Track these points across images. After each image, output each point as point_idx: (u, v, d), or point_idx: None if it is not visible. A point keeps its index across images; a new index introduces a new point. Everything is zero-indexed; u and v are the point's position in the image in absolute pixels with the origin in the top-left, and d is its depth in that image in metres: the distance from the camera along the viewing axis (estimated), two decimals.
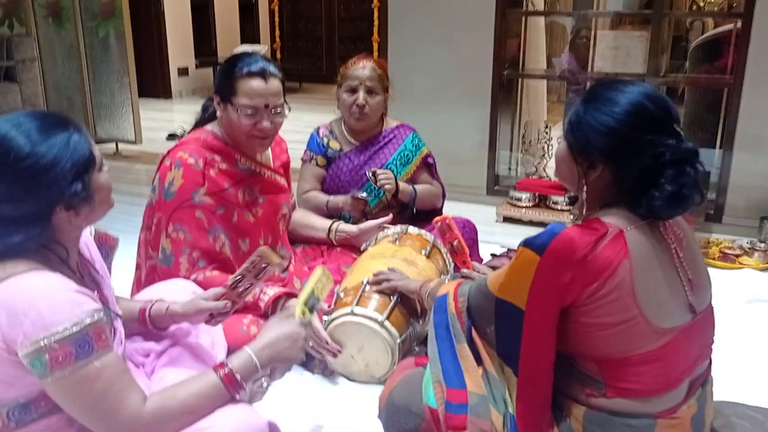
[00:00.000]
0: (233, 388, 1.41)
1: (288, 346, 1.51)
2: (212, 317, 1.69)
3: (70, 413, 1.29)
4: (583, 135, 1.37)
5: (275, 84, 2.07)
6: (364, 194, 2.60)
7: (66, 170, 1.25)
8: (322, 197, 2.70)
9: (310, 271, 2.05)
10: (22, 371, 1.23)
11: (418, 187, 2.73)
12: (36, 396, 1.29)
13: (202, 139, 2.14)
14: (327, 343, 1.89)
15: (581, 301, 1.31)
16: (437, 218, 2.23)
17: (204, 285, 1.96)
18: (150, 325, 1.69)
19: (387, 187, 2.57)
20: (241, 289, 1.67)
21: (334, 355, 1.90)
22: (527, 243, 1.36)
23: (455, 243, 2.17)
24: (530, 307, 1.34)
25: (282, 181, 2.36)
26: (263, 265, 1.65)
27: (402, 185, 2.65)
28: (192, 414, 1.36)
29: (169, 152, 2.14)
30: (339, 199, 2.65)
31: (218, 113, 2.13)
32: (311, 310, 1.67)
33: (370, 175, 2.57)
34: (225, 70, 2.08)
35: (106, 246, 1.63)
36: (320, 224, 2.59)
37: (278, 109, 2.09)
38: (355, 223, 2.64)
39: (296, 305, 1.67)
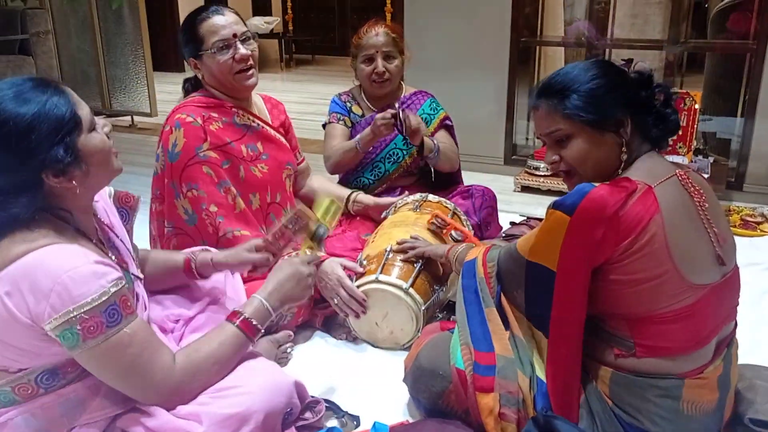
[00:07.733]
0: (251, 333, 1.45)
1: (293, 285, 1.56)
2: (255, 268, 1.75)
3: (105, 381, 1.31)
4: (594, 110, 1.41)
5: (232, 15, 2.11)
6: (395, 108, 2.51)
7: (43, 135, 1.20)
8: (350, 142, 2.61)
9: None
10: (48, 342, 1.24)
11: (440, 144, 2.63)
12: (63, 362, 1.30)
13: (196, 99, 2.16)
14: (355, 298, 1.95)
15: (615, 258, 1.32)
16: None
17: (234, 243, 1.98)
18: (196, 273, 1.74)
19: (413, 126, 2.42)
20: (282, 243, 1.72)
21: (357, 316, 1.94)
22: (557, 204, 1.36)
23: (454, 234, 2.17)
24: (561, 268, 1.35)
25: (284, 140, 2.35)
26: (304, 222, 1.70)
27: (426, 139, 2.55)
28: (218, 364, 1.38)
29: (167, 119, 2.14)
30: (365, 131, 2.55)
31: (200, 76, 2.16)
32: (319, 241, 1.71)
33: (400, 111, 2.44)
34: (184, 33, 2.11)
35: (126, 207, 1.63)
36: (338, 193, 2.57)
37: (247, 35, 2.12)
38: (379, 179, 2.66)
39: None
